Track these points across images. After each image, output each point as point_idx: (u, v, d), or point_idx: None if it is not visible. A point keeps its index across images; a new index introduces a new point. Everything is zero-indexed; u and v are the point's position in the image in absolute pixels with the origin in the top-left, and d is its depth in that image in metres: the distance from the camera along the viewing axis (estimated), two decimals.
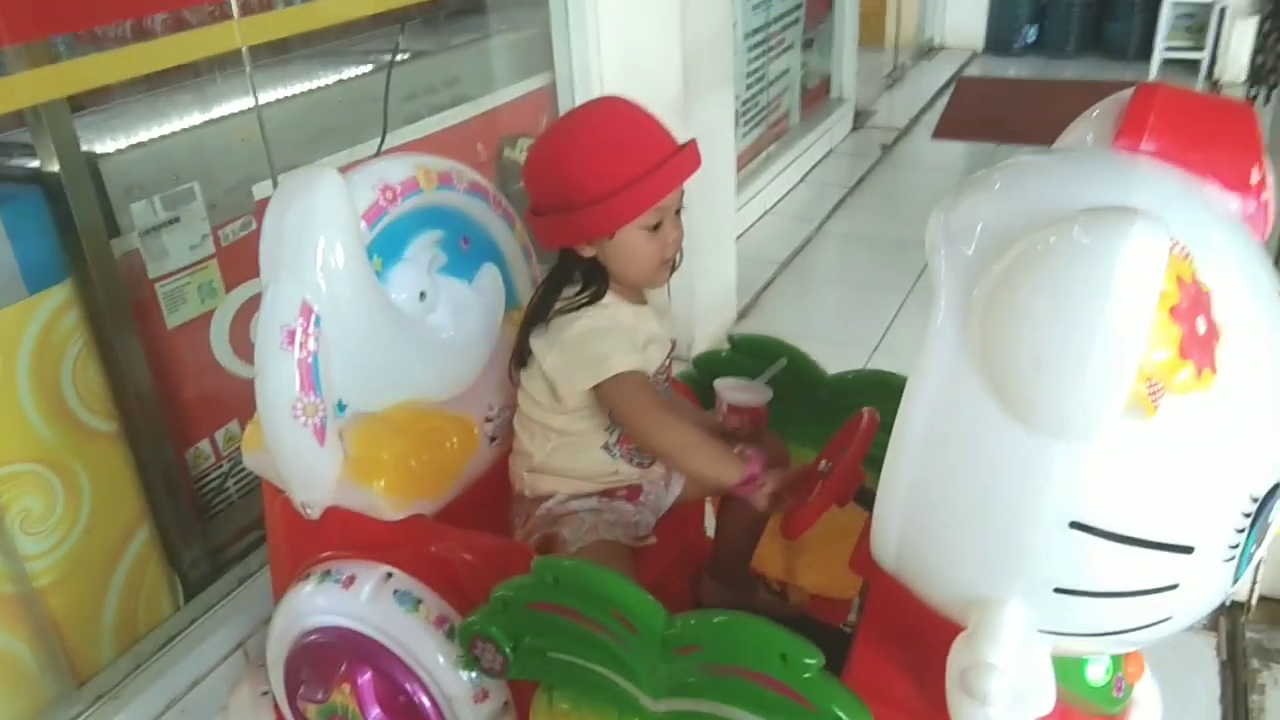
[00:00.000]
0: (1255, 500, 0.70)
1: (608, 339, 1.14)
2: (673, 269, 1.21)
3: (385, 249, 1.22)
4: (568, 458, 1.23)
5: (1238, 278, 0.70)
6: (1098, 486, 0.67)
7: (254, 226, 1.66)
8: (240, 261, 1.63)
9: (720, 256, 2.66)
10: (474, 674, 1.09)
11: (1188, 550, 0.69)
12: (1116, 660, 0.90)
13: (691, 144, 1.15)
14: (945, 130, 4.52)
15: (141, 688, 1.45)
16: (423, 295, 1.26)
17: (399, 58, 2.01)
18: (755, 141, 3.60)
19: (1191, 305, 0.64)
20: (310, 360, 1.09)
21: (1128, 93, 0.81)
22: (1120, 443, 0.66)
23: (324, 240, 1.09)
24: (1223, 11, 4.80)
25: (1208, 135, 0.77)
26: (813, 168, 4.03)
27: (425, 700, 1.11)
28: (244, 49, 1.53)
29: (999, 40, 5.97)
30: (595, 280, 1.17)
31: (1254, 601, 1.76)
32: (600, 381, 1.13)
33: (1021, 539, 0.70)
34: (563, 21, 2.14)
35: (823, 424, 1.32)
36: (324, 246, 1.09)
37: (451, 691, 1.10)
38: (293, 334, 1.08)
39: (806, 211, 3.62)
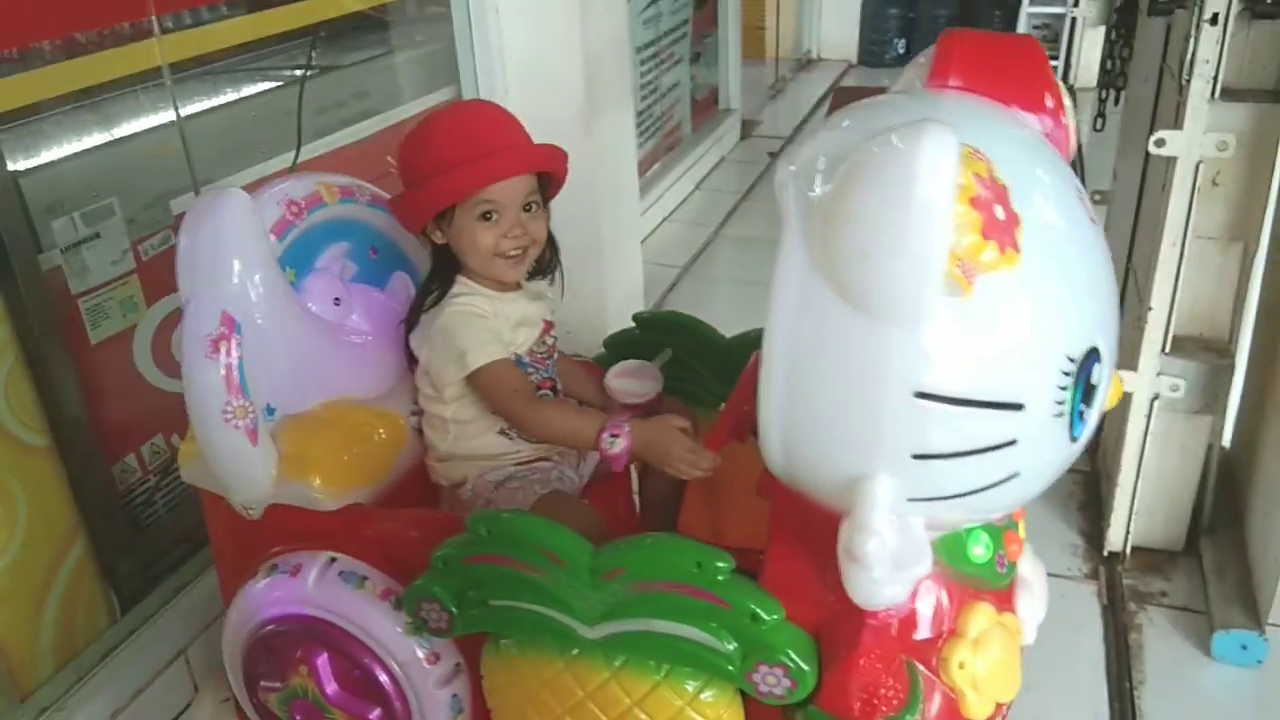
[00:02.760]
0: (1073, 360, 0.81)
1: (465, 332, 1.22)
2: (541, 269, 1.30)
3: (297, 261, 1.29)
4: (468, 444, 1.30)
5: (1034, 176, 0.82)
6: (933, 358, 0.78)
7: (173, 240, 1.69)
8: (160, 276, 1.67)
9: (628, 262, 2.77)
10: (424, 638, 1.16)
11: (1019, 407, 0.80)
12: (996, 538, 1.00)
13: (548, 146, 1.24)
14: None
15: (84, 700, 1.48)
16: (338, 301, 1.34)
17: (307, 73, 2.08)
18: (651, 151, 3.75)
19: (989, 196, 0.75)
20: (236, 365, 1.15)
21: None
22: (946, 318, 0.77)
23: (237, 256, 1.16)
24: (1074, 22, 5.17)
25: (1003, 68, 0.91)
26: (706, 176, 4.20)
27: (380, 671, 1.17)
28: (164, 65, 1.59)
29: (871, 53, 6.29)
30: (444, 269, 1.27)
31: (1128, 551, 1.95)
32: (465, 375, 1.22)
33: (878, 415, 0.81)
34: (466, 35, 2.21)
35: (726, 384, 1.41)
36: (238, 261, 1.16)
37: (404, 658, 1.16)
38: (216, 343, 1.14)
39: (703, 217, 3.78)
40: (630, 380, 1.36)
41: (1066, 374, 0.81)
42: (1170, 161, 1.67)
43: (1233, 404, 1.90)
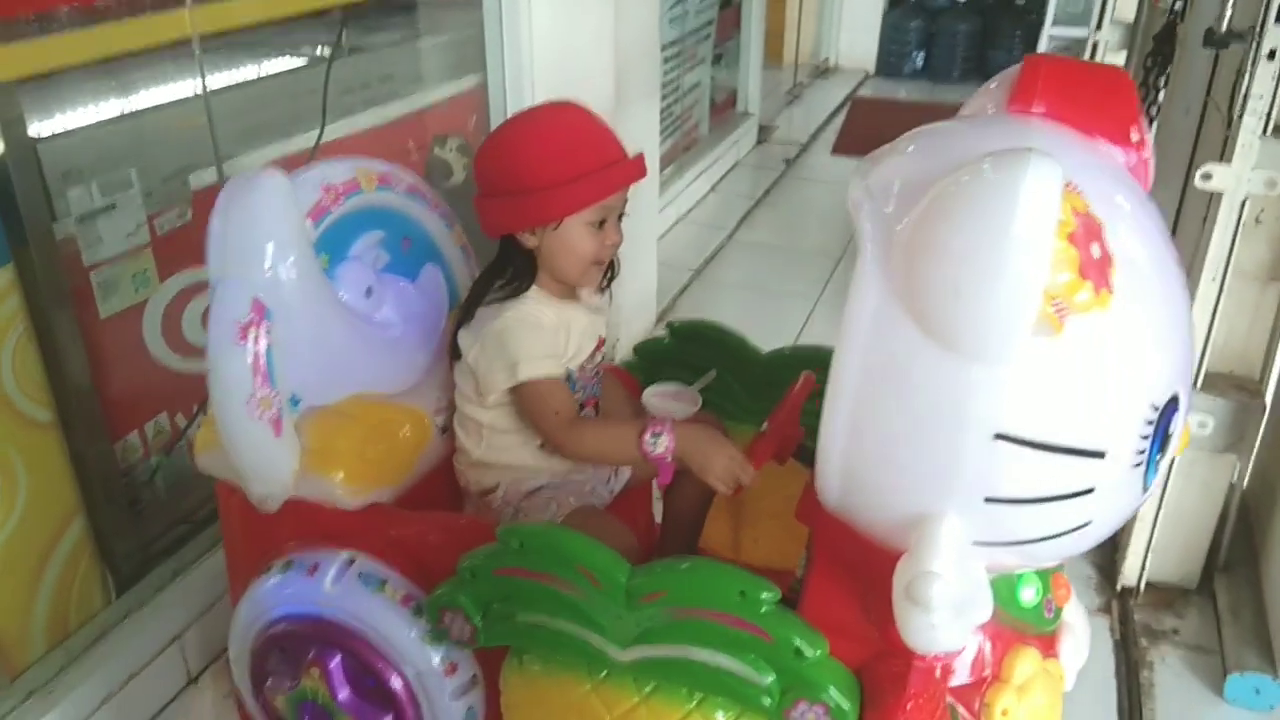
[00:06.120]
0: (1156, 409, 0.78)
1: (525, 340, 1.18)
2: (611, 275, 1.27)
3: (330, 247, 1.25)
4: (501, 453, 1.26)
5: (1126, 215, 0.79)
6: (1018, 400, 0.75)
7: (189, 216, 1.66)
8: (174, 251, 1.63)
9: (643, 261, 2.74)
10: (443, 647, 1.12)
11: (1100, 455, 0.77)
12: (1045, 583, 0.98)
13: (640, 155, 1.22)
14: (843, 147, 4.72)
15: (75, 683, 1.43)
16: (369, 291, 1.30)
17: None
18: (669, 150, 3.72)
19: (1086, 232, 0.72)
20: (264, 354, 1.11)
21: (1018, 66, 0.91)
22: (1034, 359, 0.73)
23: (272, 240, 1.12)
24: (1095, 46, 5.16)
25: (1090, 98, 0.87)
26: (721, 178, 4.17)
27: (395, 678, 1.13)
28: (195, 37, 1.54)
29: (889, 64, 6.30)
30: (523, 273, 1.21)
31: (1142, 586, 1.93)
32: (514, 385, 1.18)
33: (953, 455, 0.77)
34: (496, 23, 2.16)
35: (760, 400, 1.40)
36: (272, 246, 1.12)
37: (421, 666, 1.12)
38: (245, 329, 1.10)
39: (717, 220, 3.75)
40: (669, 401, 1.32)
41: (1149, 423, 0.78)
42: (1214, 196, 1.64)
43: (1256, 444, 1.87)
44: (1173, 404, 0.80)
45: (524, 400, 1.20)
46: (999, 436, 0.76)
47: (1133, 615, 1.89)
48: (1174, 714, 1.67)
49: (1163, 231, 0.84)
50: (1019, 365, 0.74)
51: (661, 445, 1.13)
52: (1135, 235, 0.79)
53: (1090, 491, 0.79)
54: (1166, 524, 1.87)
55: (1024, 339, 0.72)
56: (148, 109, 1.63)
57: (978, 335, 0.73)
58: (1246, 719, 1.67)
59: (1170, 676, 1.75)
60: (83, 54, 1.46)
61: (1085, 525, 0.82)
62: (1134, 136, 0.88)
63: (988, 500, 0.79)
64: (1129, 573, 1.92)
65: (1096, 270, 0.72)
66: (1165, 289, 0.81)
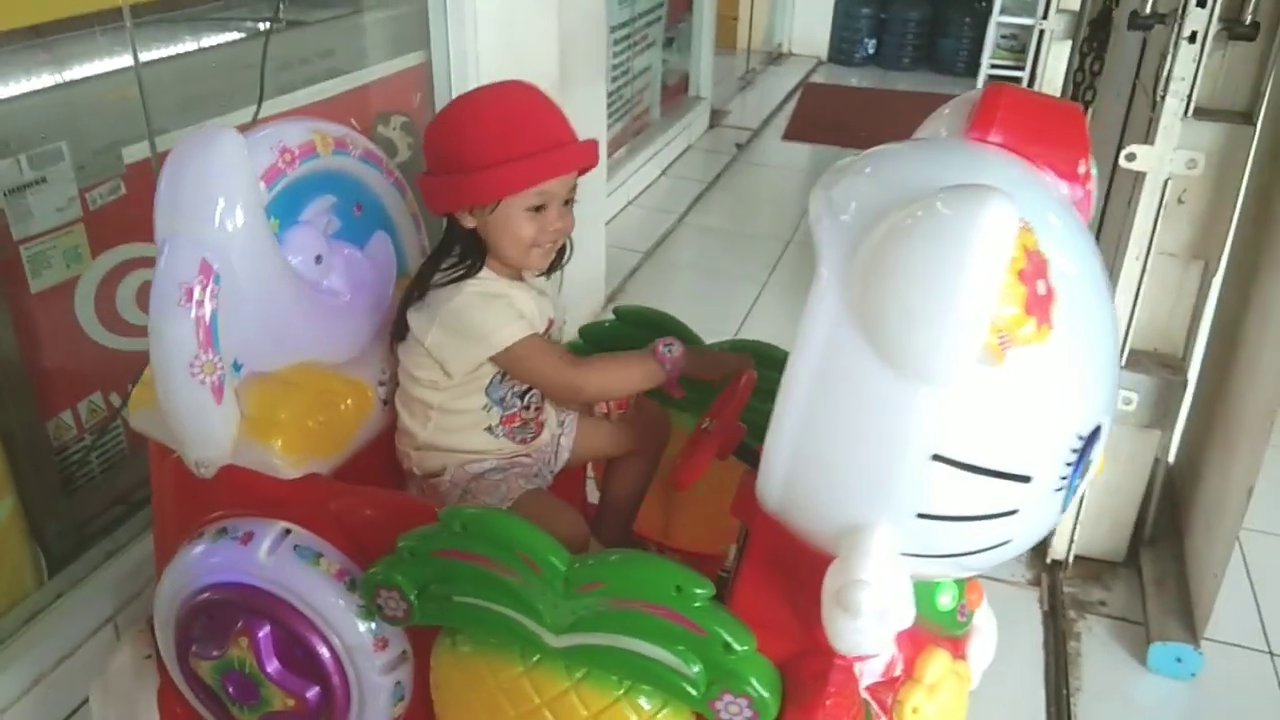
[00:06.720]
0: (1081, 439, 0.82)
1: (489, 311, 1.18)
2: (560, 260, 1.27)
3: (282, 211, 1.22)
4: (448, 436, 1.26)
5: (1068, 250, 0.82)
6: (956, 424, 0.78)
7: (123, 191, 1.61)
8: (108, 227, 1.58)
9: (591, 244, 2.74)
10: (374, 623, 1.12)
11: (1026, 480, 0.81)
12: (960, 589, 1.02)
13: (591, 142, 1.21)
14: (794, 133, 4.77)
15: (5, 665, 1.41)
16: (319, 259, 1.27)
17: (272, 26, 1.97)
18: (619, 134, 3.71)
19: (1034, 269, 0.75)
20: (209, 317, 1.09)
21: (977, 92, 0.93)
22: (975, 386, 0.77)
23: (224, 199, 1.09)
24: (1042, 34, 5.26)
25: (1045, 130, 0.90)
26: (672, 162, 4.18)
27: (324, 651, 1.13)
28: (126, 6, 1.49)
29: (841, 51, 6.35)
30: (472, 253, 1.21)
31: (1070, 560, 1.99)
32: (495, 354, 1.18)
33: (891, 471, 0.81)
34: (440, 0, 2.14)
35: (699, 390, 1.41)
36: (224, 205, 1.09)
37: (351, 641, 1.13)
38: (191, 291, 1.07)
39: (667, 204, 3.76)
40: None
41: (1074, 451, 0.82)
42: (1138, 176, 1.69)
43: (1180, 420, 1.95)
44: (1095, 434, 0.85)
45: (514, 365, 1.20)
46: (935, 457, 0.79)
47: (1062, 587, 1.96)
48: (1099, 683, 1.74)
49: (1100, 266, 0.88)
50: (961, 390, 0.77)
51: (677, 349, 1.20)
52: (1075, 271, 0.82)
53: (1014, 513, 0.83)
54: (1094, 499, 1.92)
55: (967, 367, 0.75)
56: (79, 80, 1.58)
57: (925, 359, 0.76)
58: (1168, 687, 1.75)
59: (1096, 646, 1.83)
60: (10, 22, 1.41)
61: (1006, 543, 0.86)
62: (1081, 170, 0.92)
63: (919, 516, 0.82)
64: (1058, 546, 1.99)
65: (1040, 306, 0.76)
66: (1099, 325, 0.85)
